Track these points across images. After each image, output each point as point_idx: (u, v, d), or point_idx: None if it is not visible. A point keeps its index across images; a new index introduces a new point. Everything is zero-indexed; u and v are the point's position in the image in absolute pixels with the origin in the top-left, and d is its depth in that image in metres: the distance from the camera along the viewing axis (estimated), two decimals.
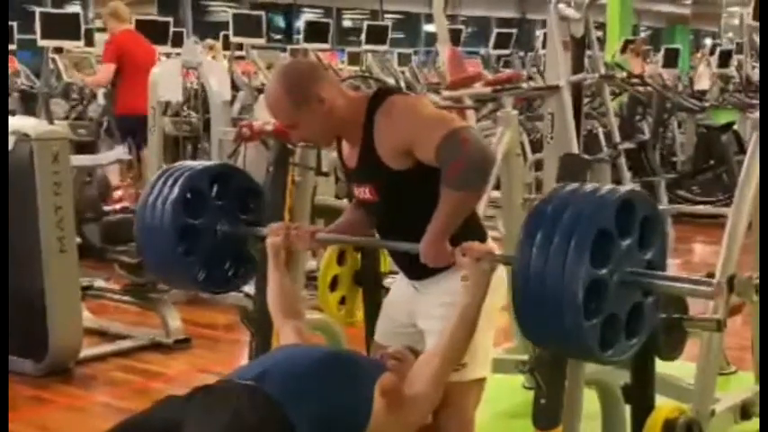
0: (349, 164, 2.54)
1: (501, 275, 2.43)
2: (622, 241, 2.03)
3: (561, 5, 6.15)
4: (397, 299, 2.67)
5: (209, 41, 10.76)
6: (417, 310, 2.56)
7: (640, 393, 2.81)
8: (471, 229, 2.45)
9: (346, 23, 25.65)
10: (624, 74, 8.42)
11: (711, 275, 3.03)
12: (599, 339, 2.03)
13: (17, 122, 4.55)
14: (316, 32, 9.55)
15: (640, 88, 8.47)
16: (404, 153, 2.37)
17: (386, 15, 24.14)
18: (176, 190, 2.67)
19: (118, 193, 6.64)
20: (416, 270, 2.49)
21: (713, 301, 2.97)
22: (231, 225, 2.75)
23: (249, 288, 3.86)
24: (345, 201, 3.65)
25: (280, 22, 24.45)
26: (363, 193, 2.53)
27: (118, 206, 6.64)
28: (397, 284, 2.70)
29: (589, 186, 2.10)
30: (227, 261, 2.80)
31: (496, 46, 11.79)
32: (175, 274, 2.80)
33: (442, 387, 2.32)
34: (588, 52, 6.88)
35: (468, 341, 2.31)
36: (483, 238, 2.47)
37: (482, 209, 3.89)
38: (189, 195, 2.69)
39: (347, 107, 2.46)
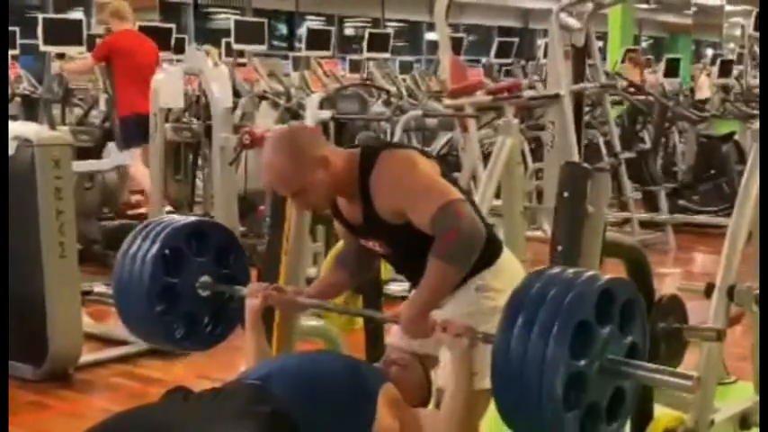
0: (351, 220, 2.52)
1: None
2: (602, 329, 2.00)
3: (563, 15, 6.18)
4: None
5: (207, 48, 10.73)
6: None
7: (639, 402, 2.81)
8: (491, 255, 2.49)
9: (348, 31, 25.68)
10: (625, 83, 8.46)
11: (712, 286, 3.04)
12: (579, 429, 1.99)
13: (19, 128, 4.55)
14: (317, 40, 9.57)
15: (641, 97, 8.50)
16: (403, 214, 2.36)
17: (387, 23, 24.20)
18: (154, 248, 2.59)
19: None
20: None
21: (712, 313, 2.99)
22: (210, 282, 2.67)
23: None
24: None
25: (282, 29, 24.48)
26: (373, 245, 2.53)
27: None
28: None
29: (570, 272, 2.07)
30: (206, 318, 2.71)
31: (498, 55, 11.80)
32: (152, 332, 2.72)
33: None
34: (589, 62, 6.91)
35: (469, 415, 2.27)
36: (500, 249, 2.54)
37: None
38: (167, 252, 2.61)
39: (342, 166, 2.42)
